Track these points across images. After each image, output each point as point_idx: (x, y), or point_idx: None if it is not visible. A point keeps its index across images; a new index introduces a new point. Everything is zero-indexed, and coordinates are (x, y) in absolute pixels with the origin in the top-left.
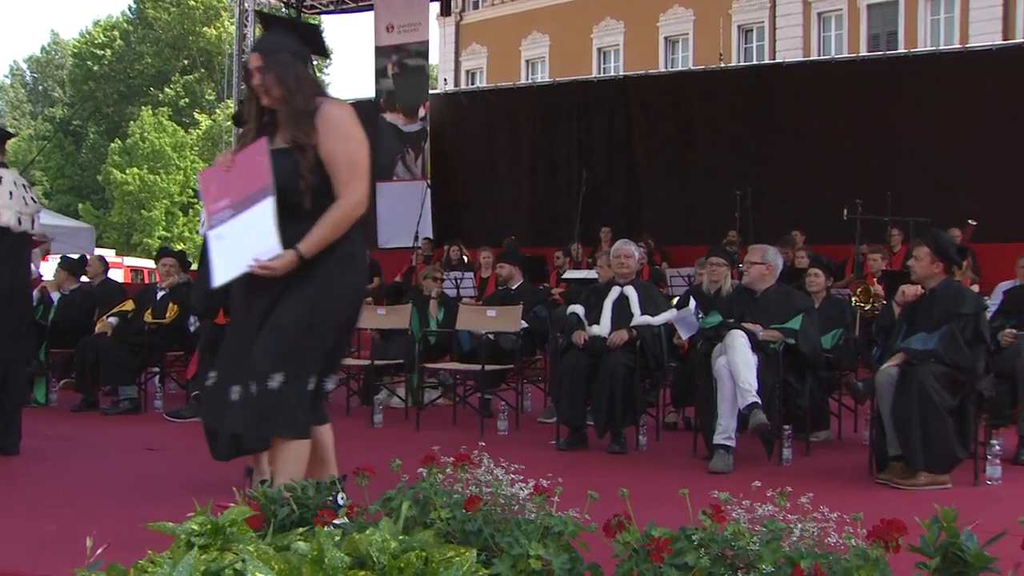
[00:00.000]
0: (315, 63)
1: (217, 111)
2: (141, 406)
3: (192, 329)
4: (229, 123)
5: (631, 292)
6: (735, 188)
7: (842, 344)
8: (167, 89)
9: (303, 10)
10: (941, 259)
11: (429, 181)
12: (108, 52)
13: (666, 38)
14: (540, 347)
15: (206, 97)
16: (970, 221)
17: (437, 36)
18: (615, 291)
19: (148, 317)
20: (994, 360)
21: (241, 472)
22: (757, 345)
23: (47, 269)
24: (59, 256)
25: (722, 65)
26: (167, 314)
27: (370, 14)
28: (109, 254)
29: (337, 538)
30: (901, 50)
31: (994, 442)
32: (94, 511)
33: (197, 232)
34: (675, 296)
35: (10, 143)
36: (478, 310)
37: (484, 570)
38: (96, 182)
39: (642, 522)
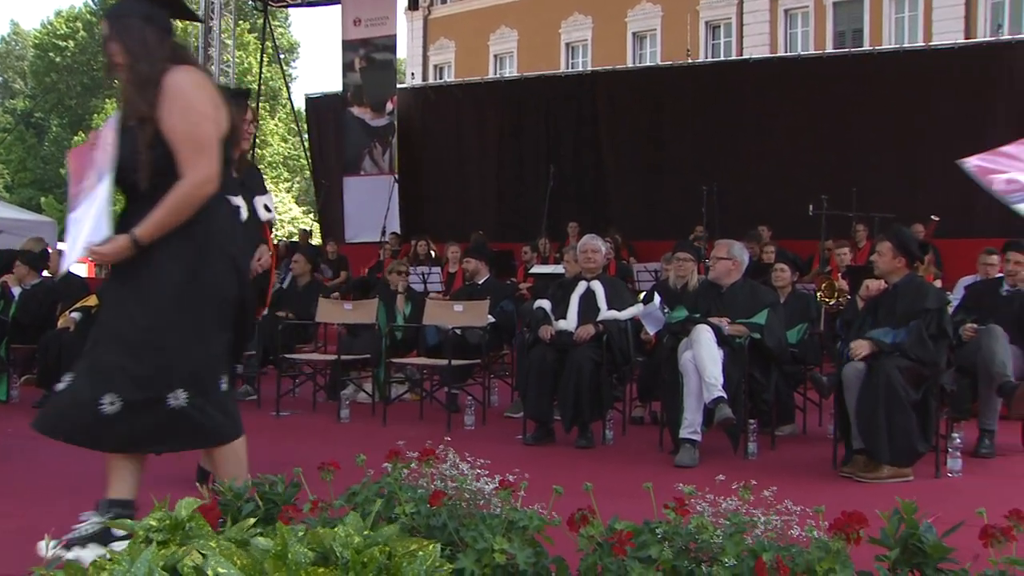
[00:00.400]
0: (280, 51)
1: None
2: None
3: None
4: None
5: (598, 287)
6: (702, 183)
7: (807, 339)
8: None
9: (270, 3)
10: (903, 254)
11: (396, 176)
12: (71, 43)
13: (634, 34)
14: (507, 342)
15: None
16: (932, 217)
17: (405, 30)
18: (582, 286)
19: None
20: (955, 354)
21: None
22: (723, 339)
23: None
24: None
25: (690, 61)
26: None
27: (338, 7)
28: None
29: (300, 533)
30: (866, 47)
31: (955, 435)
32: (54, 508)
33: None
34: (642, 291)
35: None
36: (445, 305)
37: (448, 565)
38: (59, 176)
39: (607, 516)
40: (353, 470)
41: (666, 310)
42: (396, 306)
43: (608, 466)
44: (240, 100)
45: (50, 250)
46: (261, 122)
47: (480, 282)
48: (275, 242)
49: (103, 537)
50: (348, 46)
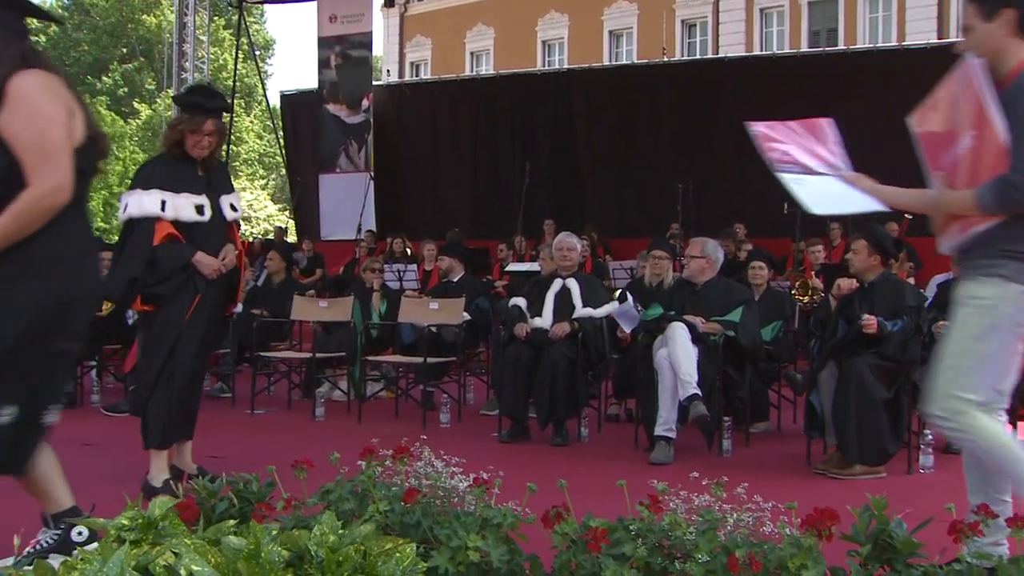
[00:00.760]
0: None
1: (157, 101)
2: (78, 400)
3: (130, 322)
4: (169, 113)
5: (573, 285)
6: (678, 181)
7: (782, 336)
8: (105, 78)
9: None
10: (878, 252)
11: (372, 173)
12: (43, 38)
13: (610, 32)
14: (483, 339)
15: (146, 86)
16: (906, 215)
17: (381, 27)
18: (557, 283)
19: None
20: (928, 351)
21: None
22: (697, 337)
23: None
24: None
25: (666, 59)
26: (103, 307)
27: (314, 4)
28: None
29: (274, 532)
30: (841, 46)
31: (927, 432)
32: (25, 507)
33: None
34: (618, 289)
35: None
36: (420, 302)
37: (423, 563)
38: None
39: (581, 513)
40: (327, 468)
41: (639, 309)
42: (371, 304)
43: (583, 463)
44: (208, 110)
45: None
46: (236, 119)
47: (455, 280)
48: (250, 240)
49: (65, 547)
50: (324, 43)
